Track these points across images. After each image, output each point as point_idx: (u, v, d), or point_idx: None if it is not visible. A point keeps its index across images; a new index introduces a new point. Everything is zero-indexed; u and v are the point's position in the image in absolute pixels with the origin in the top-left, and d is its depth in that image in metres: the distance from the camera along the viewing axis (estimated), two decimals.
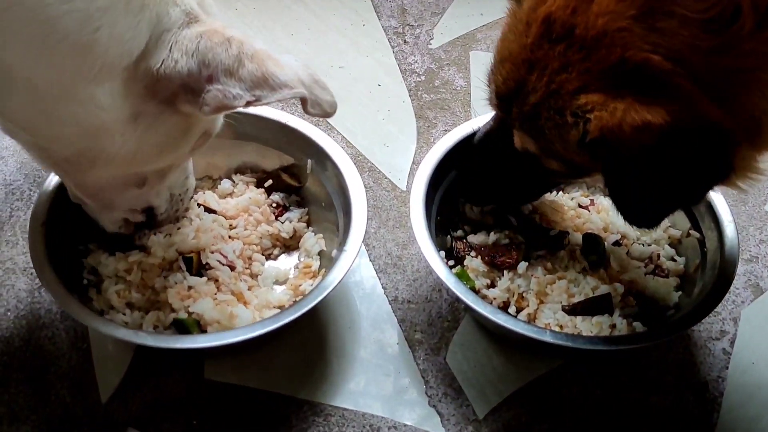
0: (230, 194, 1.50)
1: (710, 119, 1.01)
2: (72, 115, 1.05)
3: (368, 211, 1.55)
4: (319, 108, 1.09)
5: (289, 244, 1.47)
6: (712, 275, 1.34)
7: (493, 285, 1.38)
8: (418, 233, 1.36)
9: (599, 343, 1.28)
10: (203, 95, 1.04)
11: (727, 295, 1.33)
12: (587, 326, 1.32)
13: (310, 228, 1.48)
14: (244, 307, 1.32)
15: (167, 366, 1.33)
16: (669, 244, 1.45)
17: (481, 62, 1.82)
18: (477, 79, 1.78)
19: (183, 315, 1.29)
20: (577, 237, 1.43)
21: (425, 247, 1.34)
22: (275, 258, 1.45)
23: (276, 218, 1.46)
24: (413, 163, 1.64)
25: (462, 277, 1.38)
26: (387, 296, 1.45)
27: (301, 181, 1.50)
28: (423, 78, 1.80)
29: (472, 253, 1.42)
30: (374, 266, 1.49)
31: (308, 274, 1.40)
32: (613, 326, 1.32)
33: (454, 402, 1.33)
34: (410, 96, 1.77)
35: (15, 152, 1.61)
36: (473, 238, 1.43)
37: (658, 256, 1.43)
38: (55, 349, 1.35)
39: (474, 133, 1.35)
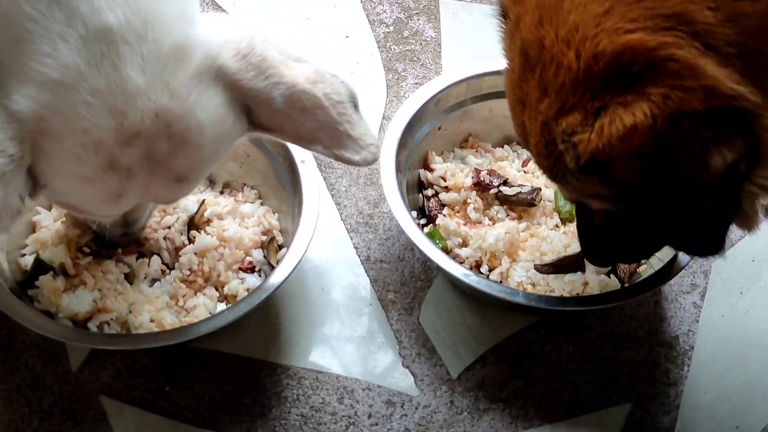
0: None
1: (718, 90, 0.84)
2: None
3: (338, 168, 1.54)
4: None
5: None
6: None
7: (465, 244, 1.37)
8: (388, 192, 1.35)
9: (572, 303, 1.29)
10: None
11: None
12: (560, 284, 1.32)
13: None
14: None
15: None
16: None
17: (451, 11, 1.79)
18: (447, 29, 1.76)
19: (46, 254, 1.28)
20: (549, 193, 1.42)
21: (396, 207, 1.33)
22: None
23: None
24: (383, 117, 1.62)
25: (434, 236, 1.37)
26: (359, 256, 1.44)
27: None
28: (392, 29, 1.77)
29: (444, 212, 1.41)
30: (345, 225, 1.48)
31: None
32: (586, 284, 1.32)
33: (427, 362, 1.34)
34: (379, 48, 1.74)
35: None
36: (445, 197, 1.42)
37: None
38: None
39: None
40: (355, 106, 1.07)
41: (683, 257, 1.29)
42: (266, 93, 1.01)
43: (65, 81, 0.89)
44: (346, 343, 1.35)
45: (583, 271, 1.32)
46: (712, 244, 1.03)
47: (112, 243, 1.28)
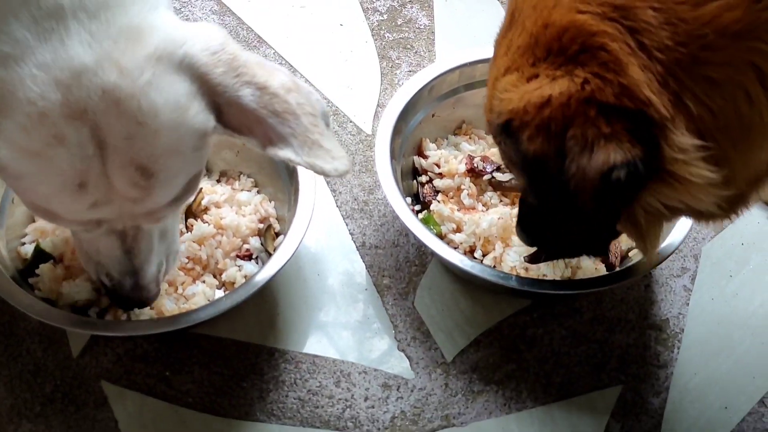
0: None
1: (633, 91, 0.87)
2: None
3: None
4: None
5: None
6: None
7: (459, 230, 1.39)
8: (383, 179, 1.36)
9: (564, 287, 1.31)
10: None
11: (688, 231, 1.35)
12: (551, 268, 1.34)
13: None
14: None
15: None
16: None
17: None
18: (440, 17, 1.77)
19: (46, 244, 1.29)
20: None
21: (390, 193, 1.35)
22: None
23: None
24: (378, 105, 1.63)
25: (428, 222, 1.39)
26: (354, 242, 1.46)
27: None
28: (385, 17, 1.78)
29: (438, 198, 1.43)
30: (341, 212, 1.49)
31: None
32: (578, 268, 1.35)
33: (422, 345, 1.36)
34: (373, 36, 1.75)
35: None
36: (439, 183, 1.44)
37: None
38: None
39: None
40: (327, 124, 1.05)
41: (674, 241, 1.31)
42: (235, 90, 0.99)
43: (14, 54, 0.92)
44: (342, 328, 1.38)
45: None
46: (591, 247, 1.08)
47: (128, 300, 1.19)
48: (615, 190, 0.91)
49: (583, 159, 0.90)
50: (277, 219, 1.41)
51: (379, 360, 1.34)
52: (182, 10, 1.76)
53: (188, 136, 0.99)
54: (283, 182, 1.39)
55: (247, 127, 1.02)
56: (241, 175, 1.46)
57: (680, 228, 1.33)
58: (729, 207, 1.00)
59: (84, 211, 1.01)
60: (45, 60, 0.92)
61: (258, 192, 1.44)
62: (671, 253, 1.31)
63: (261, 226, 1.38)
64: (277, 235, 1.38)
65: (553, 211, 1.03)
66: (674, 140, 0.89)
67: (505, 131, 0.97)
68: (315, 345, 1.35)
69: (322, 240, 1.46)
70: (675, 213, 0.98)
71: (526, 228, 1.20)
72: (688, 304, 1.42)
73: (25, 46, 0.92)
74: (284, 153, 1.02)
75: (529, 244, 1.23)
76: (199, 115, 0.99)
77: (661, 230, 1.05)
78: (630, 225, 1.00)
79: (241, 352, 1.33)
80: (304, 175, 1.35)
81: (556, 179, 0.93)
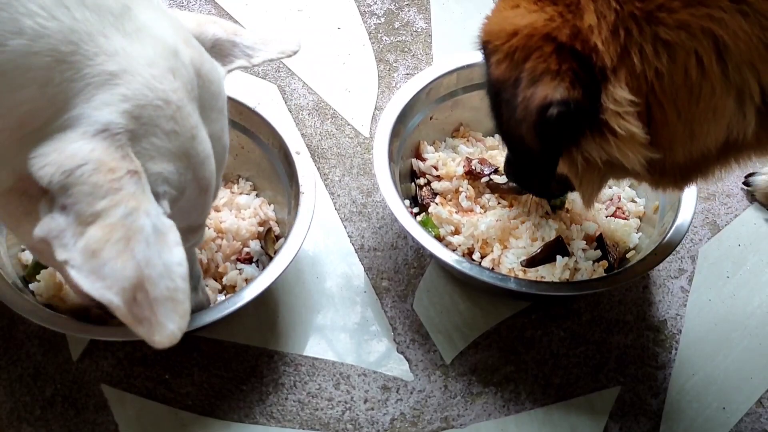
0: None
1: (583, 35, 0.91)
2: None
3: (331, 159, 1.56)
4: (147, 328, 0.88)
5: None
6: (672, 216, 1.37)
7: (457, 232, 1.40)
8: (381, 181, 1.37)
9: (562, 288, 1.31)
10: (47, 216, 0.87)
11: (686, 233, 1.35)
12: (549, 270, 1.34)
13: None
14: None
15: None
16: (629, 186, 1.48)
17: (441, 2, 1.81)
18: (437, 20, 1.78)
19: None
20: None
21: (389, 196, 1.35)
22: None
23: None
24: (375, 108, 1.64)
25: (426, 224, 1.40)
26: (353, 245, 1.47)
27: None
28: (383, 20, 1.79)
29: (437, 200, 1.43)
30: (339, 215, 1.50)
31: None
32: (576, 269, 1.35)
33: (421, 348, 1.36)
34: (370, 39, 1.76)
35: None
36: (437, 185, 1.44)
37: (619, 198, 1.45)
38: None
39: None
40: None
41: (671, 241, 1.32)
42: (215, 40, 1.13)
43: (121, 67, 0.89)
44: (341, 331, 1.38)
45: (568, 255, 1.35)
46: (537, 187, 1.15)
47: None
48: (550, 127, 0.94)
49: (529, 91, 0.94)
50: (276, 222, 1.41)
51: (378, 362, 1.35)
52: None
53: (224, 94, 1.07)
54: (282, 185, 1.39)
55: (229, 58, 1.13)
56: (240, 179, 1.46)
57: (677, 229, 1.33)
58: (662, 174, 1.02)
59: (204, 212, 1.07)
60: (147, 54, 0.91)
61: (257, 195, 1.44)
62: (668, 255, 1.32)
63: (261, 229, 1.39)
64: (278, 238, 1.38)
65: (506, 140, 1.07)
66: (611, 91, 0.92)
67: (483, 53, 1.02)
68: (314, 347, 1.36)
69: (321, 243, 1.46)
70: (608, 168, 1.01)
71: (507, 167, 1.27)
72: (685, 306, 1.42)
73: (126, 55, 0.89)
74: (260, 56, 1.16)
75: (512, 181, 1.31)
76: (220, 69, 1.08)
77: (599, 182, 1.08)
78: (571, 169, 1.04)
79: (241, 354, 1.34)
80: (304, 179, 1.35)
81: (510, 107, 0.97)
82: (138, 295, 0.86)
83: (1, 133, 0.87)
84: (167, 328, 0.88)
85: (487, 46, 1.00)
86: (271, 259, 1.31)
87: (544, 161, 1.01)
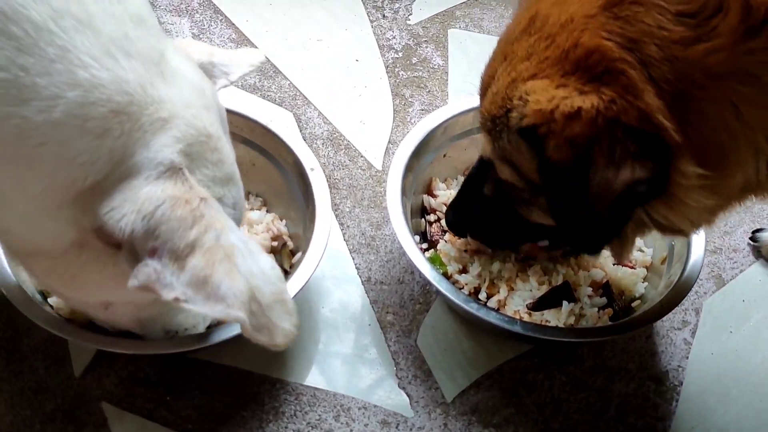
0: None
1: (650, 116, 0.96)
2: (9, 223, 0.97)
3: (343, 189, 1.57)
4: (267, 335, 0.93)
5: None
6: (679, 268, 1.38)
7: (465, 270, 1.40)
8: (393, 215, 1.38)
9: (567, 334, 1.32)
10: (139, 265, 0.89)
11: (692, 286, 1.36)
12: (554, 315, 1.35)
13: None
14: None
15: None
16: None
17: (459, 41, 1.83)
18: (454, 58, 1.80)
19: None
20: None
21: (399, 230, 1.36)
22: None
23: None
24: (389, 142, 1.65)
25: (435, 261, 1.40)
26: (360, 277, 1.47)
27: None
28: (400, 55, 1.80)
29: (446, 237, 1.44)
30: (348, 246, 1.51)
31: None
32: (581, 316, 1.36)
33: (423, 384, 1.36)
34: (387, 73, 1.77)
35: None
36: None
37: None
38: (28, 320, 1.35)
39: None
40: None
41: (678, 294, 1.33)
42: None
43: (171, 112, 0.93)
44: (343, 362, 1.38)
45: (574, 301, 1.35)
46: (589, 246, 1.22)
47: None
48: (634, 202, 1.03)
49: (609, 172, 0.99)
50: (290, 236, 1.42)
51: (380, 396, 1.35)
52: (200, 36, 1.79)
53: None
54: (296, 201, 1.41)
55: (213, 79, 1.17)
56: (250, 195, 1.47)
57: (685, 282, 1.34)
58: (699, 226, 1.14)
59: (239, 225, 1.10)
60: (184, 96, 0.95)
61: (268, 211, 1.45)
62: (674, 307, 1.33)
63: (274, 244, 1.40)
64: (293, 253, 1.39)
65: (562, 213, 1.11)
66: (682, 166, 1.00)
67: (524, 134, 1.04)
68: (316, 377, 1.36)
69: (329, 273, 1.47)
70: (658, 228, 1.10)
71: (457, 218, 1.35)
72: (687, 358, 1.43)
73: (171, 100, 0.93)
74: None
75: (458, 234, 1.39)
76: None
77: (640, 238, 1.18)
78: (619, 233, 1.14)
79: (243, 380, 1.34)
80: (319, 196, 1.37)
81: (572, 185, 1.02)
82: (252, 305, 0.91)
83: (59, 188, 0.89)
84: (284, 329, 0.94)
85: (536, 129, 1.02)
86: (287, 273, 1.31)
87: (611, 227, 1.11)
